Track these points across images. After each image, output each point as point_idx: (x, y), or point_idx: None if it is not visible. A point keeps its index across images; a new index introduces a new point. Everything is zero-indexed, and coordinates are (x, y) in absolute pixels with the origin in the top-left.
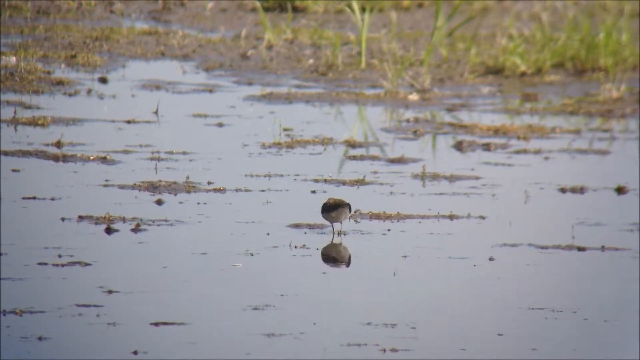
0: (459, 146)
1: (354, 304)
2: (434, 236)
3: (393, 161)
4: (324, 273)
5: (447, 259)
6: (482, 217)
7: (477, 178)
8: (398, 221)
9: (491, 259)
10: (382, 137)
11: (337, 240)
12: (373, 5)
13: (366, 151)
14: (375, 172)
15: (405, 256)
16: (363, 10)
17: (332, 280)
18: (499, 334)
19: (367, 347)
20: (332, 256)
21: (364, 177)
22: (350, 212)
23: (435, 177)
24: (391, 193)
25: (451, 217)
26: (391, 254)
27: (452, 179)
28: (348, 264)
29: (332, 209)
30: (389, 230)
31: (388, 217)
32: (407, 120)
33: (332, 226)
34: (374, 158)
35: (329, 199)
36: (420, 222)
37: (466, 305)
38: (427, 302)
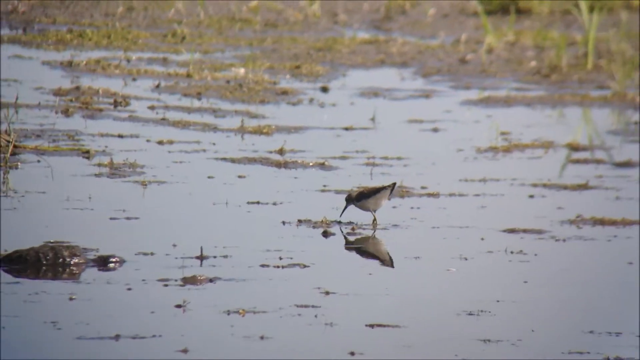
0: None
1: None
2: None
3: (620, 165)
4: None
5: None
6: None
7: None
8: (624, 227)
9: None
10: (609, 140)
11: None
12: (602, 5)
13: (590, 154)
14: (599, 177)
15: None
16: (591, 10)
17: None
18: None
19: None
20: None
21: (587, 181)
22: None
23: None
24: (617, 198)
25: None
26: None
27: None
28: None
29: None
30: (615, 236)
31: (613, 223)
32: (635, 123)
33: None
34: (598, 162)
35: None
36: None
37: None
38: None
